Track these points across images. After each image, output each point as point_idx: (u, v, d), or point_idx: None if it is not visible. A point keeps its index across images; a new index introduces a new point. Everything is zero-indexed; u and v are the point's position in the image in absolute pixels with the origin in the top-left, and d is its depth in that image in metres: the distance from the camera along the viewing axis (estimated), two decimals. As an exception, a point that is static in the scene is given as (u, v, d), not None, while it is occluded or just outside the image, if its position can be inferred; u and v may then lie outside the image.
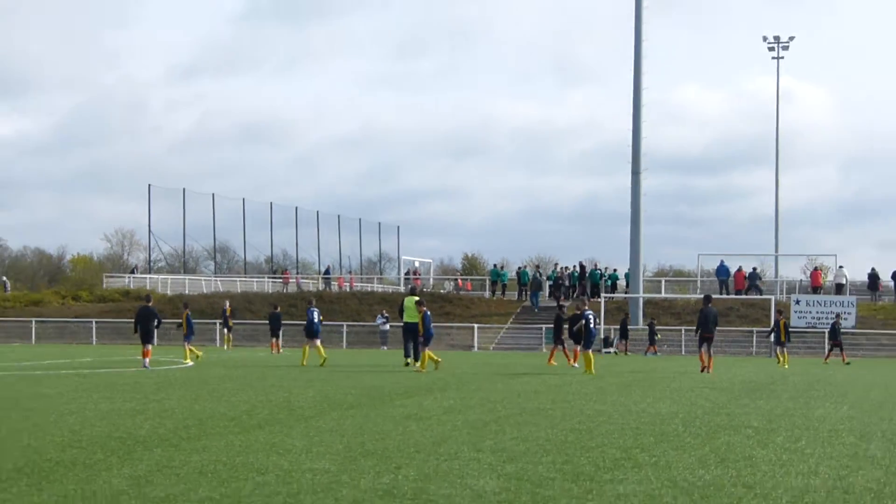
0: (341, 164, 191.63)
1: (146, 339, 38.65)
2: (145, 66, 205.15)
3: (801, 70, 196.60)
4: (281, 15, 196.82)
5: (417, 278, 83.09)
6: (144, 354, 38.31)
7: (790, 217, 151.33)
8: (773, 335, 48.30)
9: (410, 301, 39.24)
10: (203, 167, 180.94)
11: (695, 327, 42.37)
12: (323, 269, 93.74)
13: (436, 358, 36.69)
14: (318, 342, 40.77)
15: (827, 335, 54.68)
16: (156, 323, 38.92)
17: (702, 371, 37.46)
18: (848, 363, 49.94)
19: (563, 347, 42.83)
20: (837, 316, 56.05)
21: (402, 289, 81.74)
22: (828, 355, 52.85)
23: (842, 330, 53.99)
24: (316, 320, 41.80)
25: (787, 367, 44.27)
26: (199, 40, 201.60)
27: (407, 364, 38.72)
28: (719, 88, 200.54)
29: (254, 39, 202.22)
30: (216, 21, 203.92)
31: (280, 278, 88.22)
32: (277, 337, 52.79)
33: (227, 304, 65.27)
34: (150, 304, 40.55)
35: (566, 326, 42.78)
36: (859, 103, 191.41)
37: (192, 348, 42.46)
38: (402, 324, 40.74)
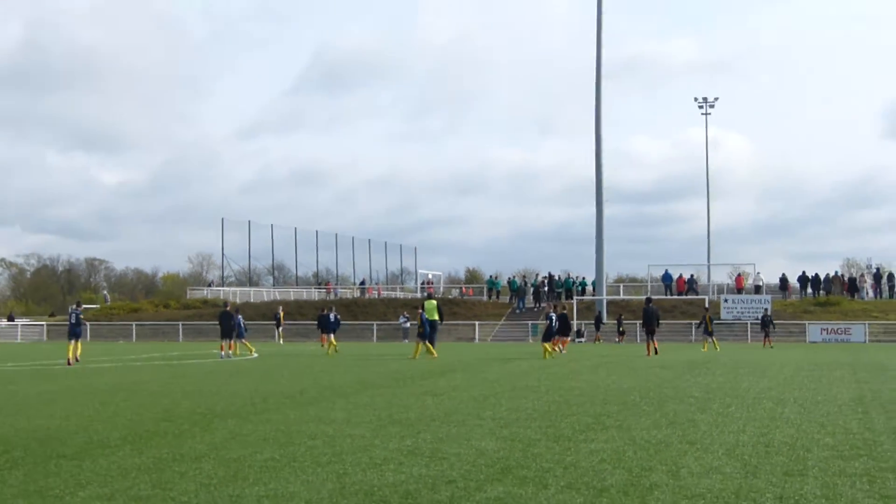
0: (372, 199, 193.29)
1: (225, 335, 38.93)
2: (219, 128, 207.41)
3: (727, 122, 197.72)
4: (323, 88, 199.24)
5: (431, 286, 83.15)
6: (221, 348, 38.80)
7: (719, 235, 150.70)
8: (701, 327, 47.25)
9: (430, 304, 39.76)
10: (265, 204, 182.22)
11: (640, 322, 43.71)
12: (359, 282, 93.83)
13: (435, 352, 36.71)
14: (332, 336, 40.22)
15: (761, 325, 53.79)
16: (233, 323, 39.17)
17: (647, 356, 37.73)
18: (772, 347, 49.41)
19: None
20: (766, 310, 55.95)
21: (419, 295, 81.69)
22: (765, 341, 51.95)
23: (772, 321, 53.73)
24: (332, 320, 40.78)
25: (718, 349, 43.98)
26: (261, 107, 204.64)
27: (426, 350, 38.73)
28: (663, 138, 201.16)
29: (303, 106, 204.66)
30: (274, 93, 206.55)
31: (324, 288, 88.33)
32: (330, 334, 48.62)
33: (280, 309, 65.23)
34: (228, 308, 41.00)
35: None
36: (772, 146, 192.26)
37: (246, 343, 42.03)
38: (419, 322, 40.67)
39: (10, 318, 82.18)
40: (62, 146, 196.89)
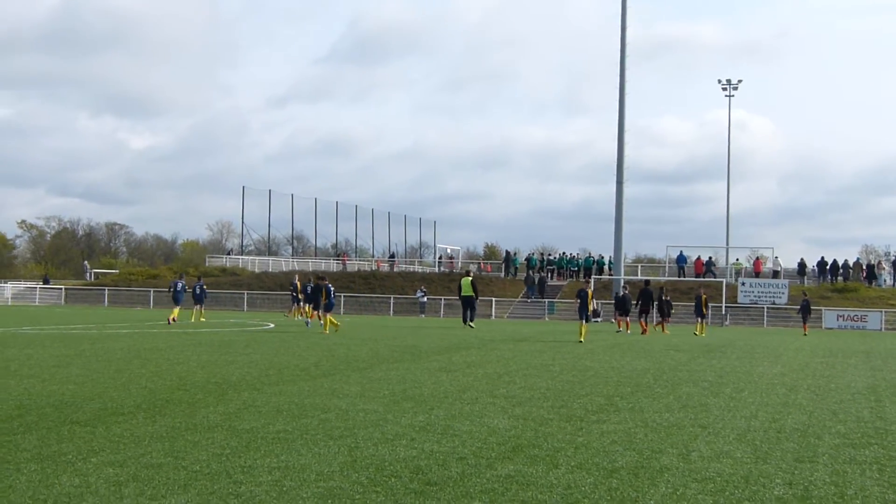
0: (396, 172, 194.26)
1: (315, 306, 40.29)
2: (250, 96, 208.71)
3: (753, 105, 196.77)
4: (354, 58, 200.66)
5: (451, 261, 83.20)
6: (311, 316, 41.69)
7: (740, 217, 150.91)
8: (695, 308, 43.43)
9: (466, 281, 43.11)
10: (289, 173, 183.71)
11: (635, 302, 43.34)
12: (388, 255, 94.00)
13: (336, 322, 36.37)
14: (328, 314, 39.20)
15: (801, 311, 50.09)
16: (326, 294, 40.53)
17: (642, 334, 38.71)
18: (805, 335, 46.04)
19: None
20: (805, 294, 53.24)
21: (437, 270, 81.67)
22: (804, 328, 49.14)
23: (811, 308, 50.94)
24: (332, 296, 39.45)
25: (703, 334, 40.81)
26: (291, 77, 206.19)
27: (464, 326, 41.71)
28: (689, 119, 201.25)
29: (333, 76, 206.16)
30: (304, 63, 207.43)
31: (340, 260, 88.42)
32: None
33: (297, 278, 64.62)
34: (324, 280, 41.66)
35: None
36: (797, 131, 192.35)
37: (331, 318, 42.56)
38: (457, 297, 45.46)
39: (46, 281, 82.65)
40: (93, 110, 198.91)
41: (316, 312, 39.96)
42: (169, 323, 39.40)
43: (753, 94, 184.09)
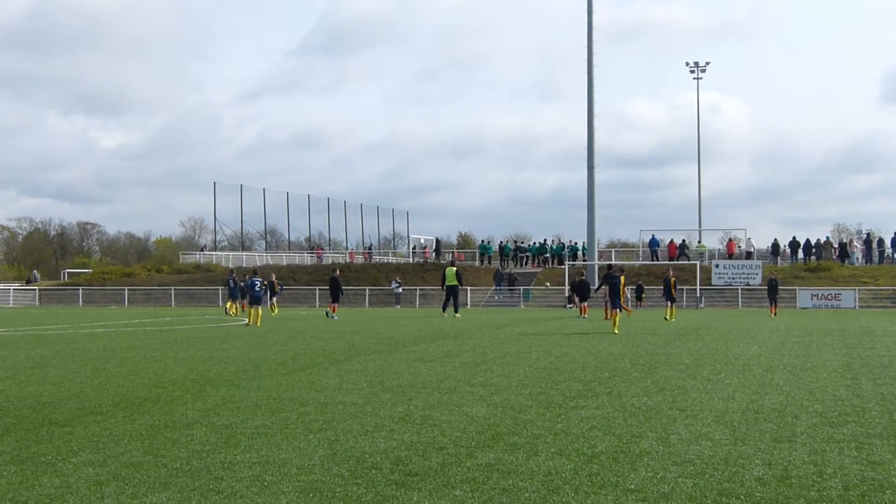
0: (370, 164, 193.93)
1: (335, 299, 43.19)
2: (222, 91, 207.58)
3: (726, 87, 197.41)
4: (326, 50, 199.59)
5: (427, 251, 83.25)
6: (333, 309, 42.67)
7: (713, 199, 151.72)
8: (664, 291, 41.82)
9: (451, 270, 44.19)
10: (262, 168, 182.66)
11: (597, 287, 43.01)
12: (365, 247, 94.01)
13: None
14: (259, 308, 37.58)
15: (768, 292, 50.30)
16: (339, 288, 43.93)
17: (605, 319, 38.42)
18: (775, 315, 46.48)
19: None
20: (773, 274, 53.09)
21: (411, 260, 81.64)
22: (772, 308, 48.91)
23: (778, 287, 50.89)
24: (257, 288, 37.40)
25: (673, 320, 38.89)
26: (262, 70, 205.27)
27: (443, 315, 42.86)
28: (662, 103, 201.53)
29: (305, 69, 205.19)
30: (276, 55, 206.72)
31: (314, 253, 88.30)
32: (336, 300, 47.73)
33: (273, 276, 64.42)
34: (337, 273, 45.43)
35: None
36: (770, 112, 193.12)
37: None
38: (441, 287, 46.02)
39: (28, 281, 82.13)
40: (63, 109, 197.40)
41: (335, 304, 42.88)
42: (249, 325, 36.11)
43: (726, 76, 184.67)
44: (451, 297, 43.77)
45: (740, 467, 8.58)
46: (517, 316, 45.77)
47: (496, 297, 67.65)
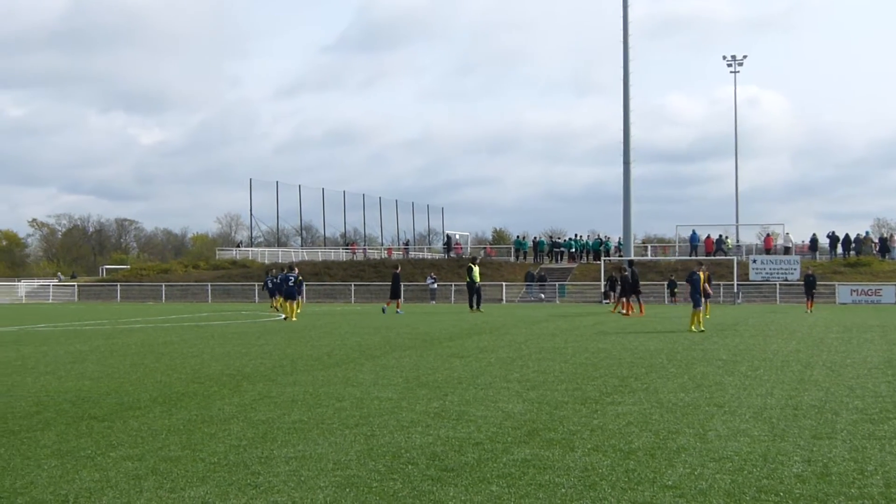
0: (405, 160, 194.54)
1: (395, 295, 44.07)
2: (260, 88, 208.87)
3: (765, 80, 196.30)
4: (362, 46, 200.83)
5: (458, 246, 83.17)
6: (397, 305, 44.00)
7: (751, 194, 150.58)
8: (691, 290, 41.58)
9: (474, 267, 45.48)
10: (298, 164, 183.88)
11: (621, 286, 42.81)
12: (403, 243, 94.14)
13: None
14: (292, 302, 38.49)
15: (805, 287, 48.28)
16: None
17: (626, 315, 38.96)
18: (811, 312, 44.42)
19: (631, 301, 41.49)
20: (809, 269, 51.48)
21: (445, 256, 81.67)
22: (808, 304, 47.11)
23: (816, 283, 48.86)
24: (291, 283, 38.63)
25: (708, 316, 35.77)
26: (299, 66, 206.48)
27: (472, 311, 43.38)
28: (701, 97, 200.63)
29: (341, 65, 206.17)
30: (312, 51, 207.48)
31: (349, 249, 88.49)
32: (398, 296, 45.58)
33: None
34: (398, 270, 46.25)
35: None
36: (810, 106, 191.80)
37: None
38: (465, 283, 47.18)
39: (73, 276, 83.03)
40: (103, 106, 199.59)
41: (395, 301, 43.87)
42: (285, 319, 37.02)
43: (765, 69, 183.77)
44: (475, 293, 44.98)
45: (779, 464, 8.52)
46: (552, 312, 45.69)
47: (530, 297, 67.41)
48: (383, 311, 43.55)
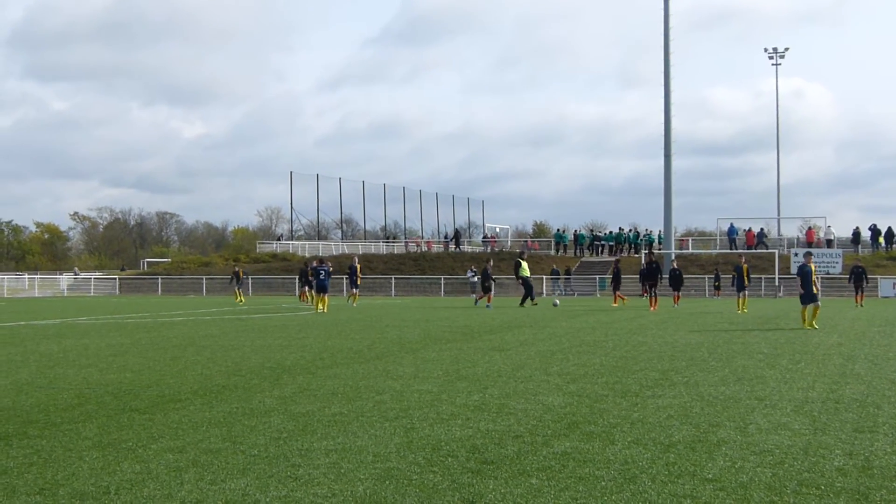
0: (446, 153, 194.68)
1: (485, 290, 43.93)
2: (303, 81, 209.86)
3: (809, 72, 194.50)
4: (405, 39, 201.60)
5: (494, 240, 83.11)
6: (487, 299, 43.66)
7: (794, 187, 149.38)
8: (735, 280, 40.26)
9: (522, 263, 45.66)
10: (340, 157, 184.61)
11: (639, 277, 42.69)
12: (446, 236, 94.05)
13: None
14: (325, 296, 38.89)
15: (853, 280, 46.10)
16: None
17: (651, 309, 38.42)
18: (861, 306, 43.51)
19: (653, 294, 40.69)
20: (858, 262, 49.43)
21: (486, 249, 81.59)
22: (857, 298, 45.50)
23: (867, 276, 46.84)
24: (322, 276, 38.76)
25: (747, 311, 36.53)
26: (342, 59, 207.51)
27: (531, 304, 43.75)
28: (745, 89, 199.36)
29: (384, 57, 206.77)
30: (356, 44, 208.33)
31: (389, 242, 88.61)
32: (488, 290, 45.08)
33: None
34: (490, 263, 46.60)
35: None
36: (854, 98, 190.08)
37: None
38: (515, 277, 47.66)
39: (123, 269, 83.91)
40: (146, 100, 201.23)
41: (487, 295, 43.81)
42: (317, 311, 37.66)
43: (810, 62, 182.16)
44: (528, 287, 44.83)
45: (820, 457, 8.45)
46: (591, 305, 45.56)
47: (555, 293, 67.03)
48: (475, 303, 44.43)
